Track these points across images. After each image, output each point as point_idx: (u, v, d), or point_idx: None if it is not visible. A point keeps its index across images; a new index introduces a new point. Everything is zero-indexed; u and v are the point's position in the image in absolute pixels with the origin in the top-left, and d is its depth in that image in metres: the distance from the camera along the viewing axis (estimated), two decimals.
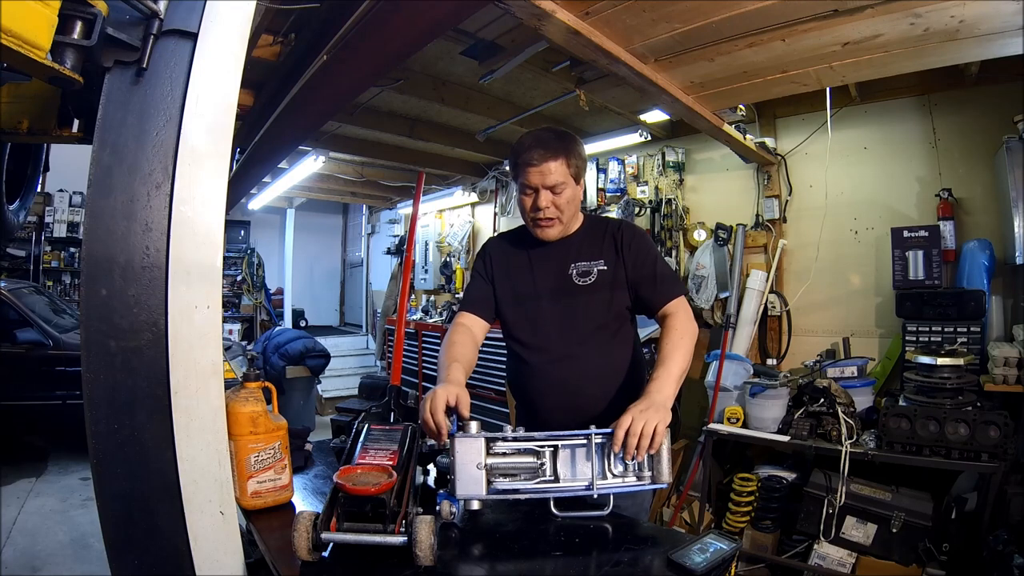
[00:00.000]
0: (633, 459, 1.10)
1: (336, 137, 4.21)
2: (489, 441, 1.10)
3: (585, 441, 1.12)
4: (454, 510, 1.08)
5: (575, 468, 1.13)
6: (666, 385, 1.23)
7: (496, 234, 1.99)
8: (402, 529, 0.92)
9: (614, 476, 1.12)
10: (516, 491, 1.11)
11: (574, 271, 1.45)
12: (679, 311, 1.39)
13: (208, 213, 0.92)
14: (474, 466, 1.08)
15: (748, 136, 3.21)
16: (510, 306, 1.52)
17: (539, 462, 1.12)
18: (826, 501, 2.52)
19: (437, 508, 1.08)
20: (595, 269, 1.44)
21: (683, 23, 1.97)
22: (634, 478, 1.12)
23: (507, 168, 5.16)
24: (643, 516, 1.47)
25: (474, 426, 1.11)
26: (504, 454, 1.12)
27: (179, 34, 0.91)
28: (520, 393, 1.55)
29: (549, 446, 1.12)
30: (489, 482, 1.09)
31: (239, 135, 2.88)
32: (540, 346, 1.47)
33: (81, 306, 0.89)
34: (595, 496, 1.10)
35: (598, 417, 1.33)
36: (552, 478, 1.12)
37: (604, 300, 1.43)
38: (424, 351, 5.23)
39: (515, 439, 1.12)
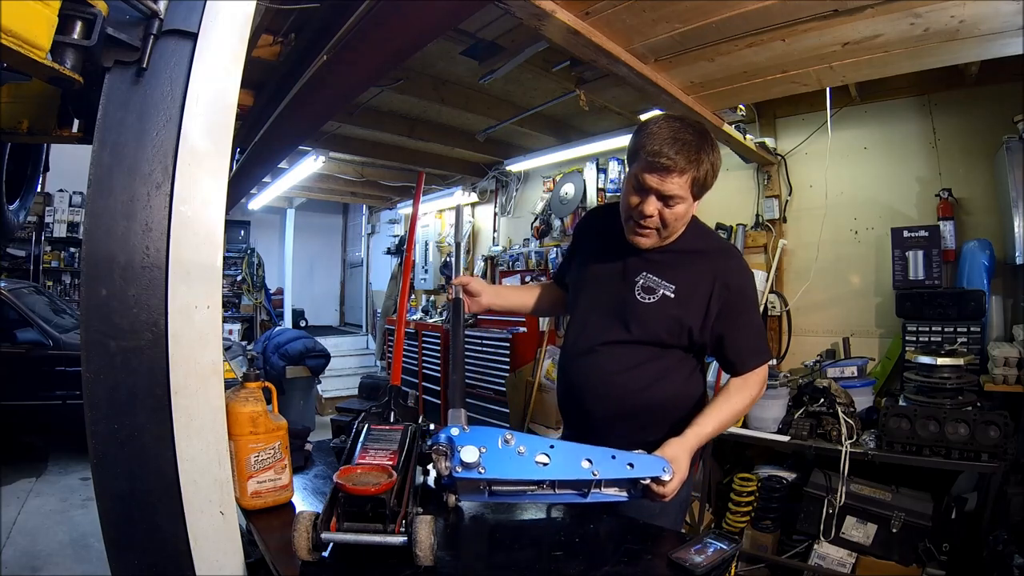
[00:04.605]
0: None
1: (336, 137, 4.21)
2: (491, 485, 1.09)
3: (582, 489, 1.10)
4: (458, 497, 1.11)
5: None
6: (702, 430, 1.24)
7: (597, 206, 1.91)
8: (402, 529, 0.92)
9: (608, 485, 1.13)
10: (514, 494, 1.11)
11: (640, 281, 1.31)
12: (756, 375, 1.33)
13: (208, 213, 0.92)
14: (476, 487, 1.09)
15: (748, 136, 3.21)
16: (574, 292, 1.47)
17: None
18: (826, 501, 2.52)
19: (444, 497, 1.10)
20: (660, 291, 1.29)
21: (683, 23, 1.96)
22: (626, 493, 1.15)
23: (506, 167, 5.15)
24: (679, 527, 1.43)
25: (463, 415, 1.11)
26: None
27: (179, 34, 0.91)
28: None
29: (546, 488, 1.10)
30: (491, 492, 1.10)
31: (239, 135, 2.88)
32: (573, 338, 1.42)
33: (81, 306, 0.88)
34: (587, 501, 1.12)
35: (599, 422, 1.34)
36: (550, 490, 1.12)
37: (650, 325, 1.30)
38: (424, 351, 5.23)
39: (506, 488, 1.10)
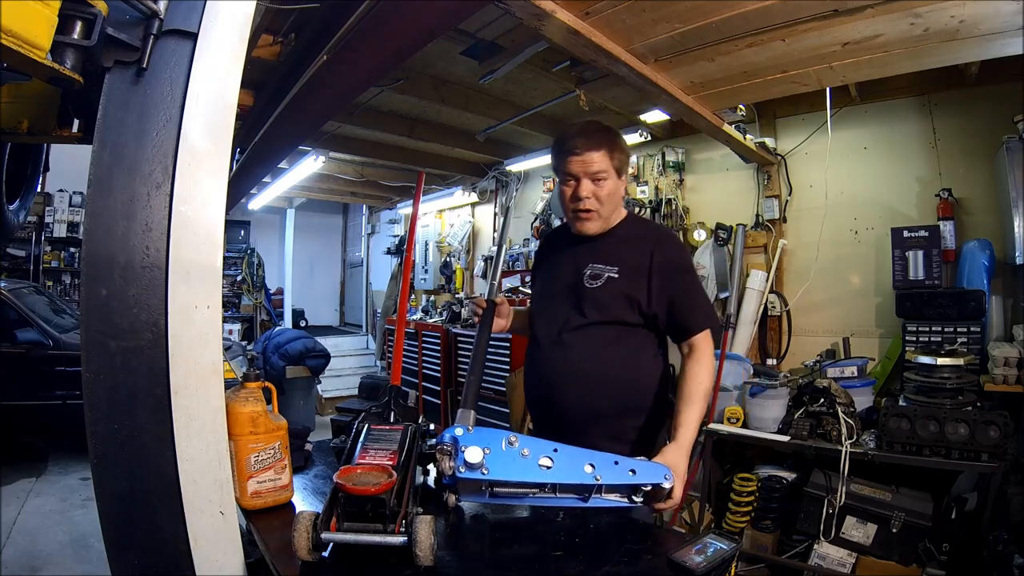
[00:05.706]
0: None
1: (336, 137, 4.21)
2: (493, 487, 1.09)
3: (583, 493, 1.10)
4: (458, 497, 1.11)
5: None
6: (690, 429, 1.30)
7: (555, 227, 2.05)
8: (402, 529, 0.92)
9: (609, 491, 1.13)
10: (515, 495, 1.11)
11: (587, 272, 1.44)
12: (704, 344, 1.40)
13: (208, 213, 0.92)
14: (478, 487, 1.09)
15: (748, 136, 3.21)
16: (535, 300, 1.62)
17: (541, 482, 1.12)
18: (826, 501, 2.52)
19: (445, 497, 1.10)
20: (606, 275, 1.42)
21: (683, 23, 1.97)
22: (627, 499, 1.15)
23: (506, 167, 5.15)
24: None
25: (471, 417, 1.12)
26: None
27: (179, 34, 0.91)
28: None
29: (547, 491, 1.10)
30: (493, 493, 1.10)
31: (239, 135, 2.88)
32: (543, 333, 1.49)
33: (81, 306, 0.89)
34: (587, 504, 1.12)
35: (568, 411, 1.40)
36: (552, 493, 1.12)
37: (603, 305, 1.41)
38: (424, 351, 5.23)
39: (507, 490, 1.10)
